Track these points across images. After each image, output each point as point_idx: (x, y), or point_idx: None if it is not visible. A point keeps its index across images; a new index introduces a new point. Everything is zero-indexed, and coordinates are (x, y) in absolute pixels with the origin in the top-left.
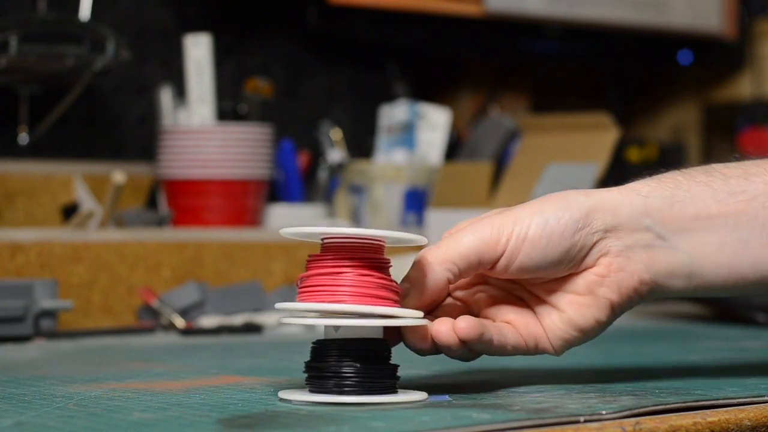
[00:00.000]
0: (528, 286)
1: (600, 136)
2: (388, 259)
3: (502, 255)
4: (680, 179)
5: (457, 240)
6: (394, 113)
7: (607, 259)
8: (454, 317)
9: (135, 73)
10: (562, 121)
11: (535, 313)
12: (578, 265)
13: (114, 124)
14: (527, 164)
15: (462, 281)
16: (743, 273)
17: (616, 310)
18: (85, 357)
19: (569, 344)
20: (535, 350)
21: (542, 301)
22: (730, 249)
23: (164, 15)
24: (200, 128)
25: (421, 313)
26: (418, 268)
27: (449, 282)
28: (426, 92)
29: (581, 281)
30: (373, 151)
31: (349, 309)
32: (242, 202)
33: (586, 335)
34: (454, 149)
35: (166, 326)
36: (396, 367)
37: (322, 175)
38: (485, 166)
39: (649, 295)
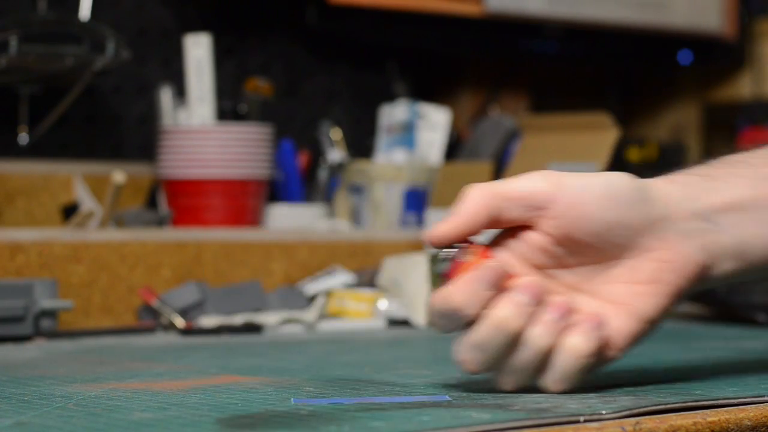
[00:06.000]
0: (589, 286)
1: (600, 136)
2: None
3: (556, 200)
4: (708, 171)
5: (509, 180)
6: (394, 113)
7: (667, 244)
8: None
9: (135, 73)
10: (562, 120)
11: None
12: (631, 242)
13: (114, 124)
14: (527, 164)
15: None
16: None
17: (681, 297)
18: (85, 357)
19: (636, 339)
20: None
21: (606, 301)
22: None
23: (164, 15)
24: (200, 128)
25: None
26: (463, 196)
27: (489, 217)
28: (426, 92)
29: (645, 268)
30: (373, 151)
31: None
32: (242, 202)
33: (653, 326)
34: (454, 149)
35: (166, 326)
36: None
37: (322, 175)
38: (485, 166)
39: (704, 280)
